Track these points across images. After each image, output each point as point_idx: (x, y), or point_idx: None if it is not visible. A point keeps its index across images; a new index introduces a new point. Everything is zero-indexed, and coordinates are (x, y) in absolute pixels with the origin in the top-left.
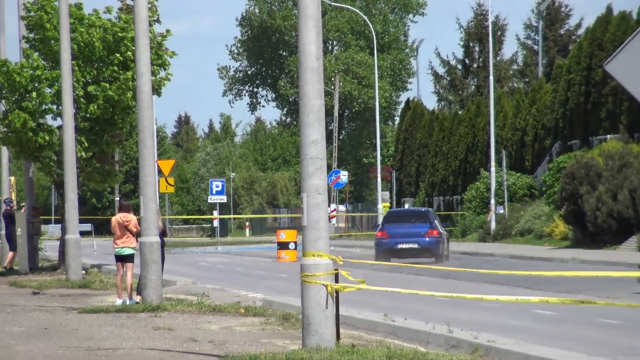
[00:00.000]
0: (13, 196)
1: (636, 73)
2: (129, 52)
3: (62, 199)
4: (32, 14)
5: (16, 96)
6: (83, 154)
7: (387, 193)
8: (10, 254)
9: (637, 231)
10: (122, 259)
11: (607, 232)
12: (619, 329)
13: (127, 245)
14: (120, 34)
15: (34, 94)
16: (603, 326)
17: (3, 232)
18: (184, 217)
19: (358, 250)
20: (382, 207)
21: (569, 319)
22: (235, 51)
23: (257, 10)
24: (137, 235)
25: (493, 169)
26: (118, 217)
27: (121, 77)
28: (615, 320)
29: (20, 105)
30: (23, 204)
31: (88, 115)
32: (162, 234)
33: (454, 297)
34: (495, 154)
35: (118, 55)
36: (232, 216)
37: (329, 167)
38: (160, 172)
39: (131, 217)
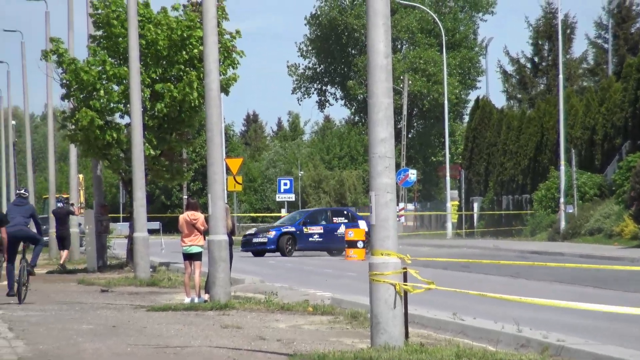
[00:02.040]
0: (81, 194)
1: None
2: (195, 51)
3: (130, 197)
4: (99, 11)
5: (84, 94)
6: (151, 152)
7: (455, 192)
8: (65, 252)
9: None
10: (190, 257)
11: None
12: None
13: (195, 244)
14: (186, 33)
15: (102, 92)
16: None
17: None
18: (252, 215)
19: (427, 249)
20: (451, 206)
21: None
22: (304, 49)
23: (327, 8)
24: (205, 233)
25: (562, 167)
26: (185, 216)
27: (185, 76)
28: None
29: (87, 104)
30: (70, 201)
31: (156, 113)
32: (231, 232)
33: (523, 301)
34: (565, 152)
35: (184, 53)
36: None
37: (398, 166)
38: (228, 170)
39: (199, 216)
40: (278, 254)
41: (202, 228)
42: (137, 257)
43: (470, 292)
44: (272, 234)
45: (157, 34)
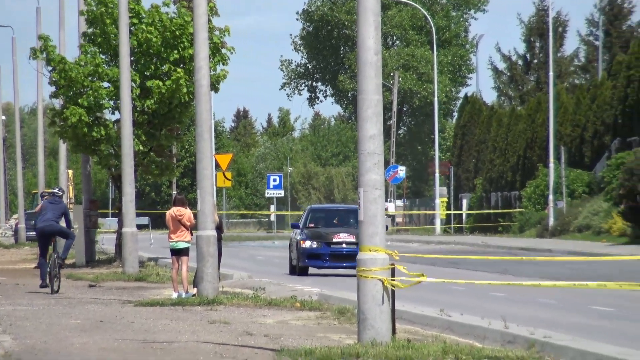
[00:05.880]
0: (70, 189)
1: None
2: (189, 50)
3: (120, 192)
4: (92, 8)
5: (72, 92)
6: (141, 147)
7: (444, 188)
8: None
9: None
10: (177, 253)
11: None
12: None
13: (181, 239)
14: (178, 32)
15: (90, 91)
16: None
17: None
18: (242, 212)
19: (415, 245)
20: (440, 203)
21: (627, 316)
22: (298, 42)
23: (318, 3)
24: (192, 229)
25: (552, 165)
26: (172, 212)
27: (174, 75)
28: None
29: (76, 101)
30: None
31: (145, 109)
32: (219, 228)
33: (511, 285)
34: (554, 150)
35: (175, 52)
36: (289, 212)
37: (387, 163)
38: (217, 166)
39: (185, 212)
40: None
41: (188, 224)
42: (125, 252)
43: (458, 281)
44: None
45: (150, 32)
